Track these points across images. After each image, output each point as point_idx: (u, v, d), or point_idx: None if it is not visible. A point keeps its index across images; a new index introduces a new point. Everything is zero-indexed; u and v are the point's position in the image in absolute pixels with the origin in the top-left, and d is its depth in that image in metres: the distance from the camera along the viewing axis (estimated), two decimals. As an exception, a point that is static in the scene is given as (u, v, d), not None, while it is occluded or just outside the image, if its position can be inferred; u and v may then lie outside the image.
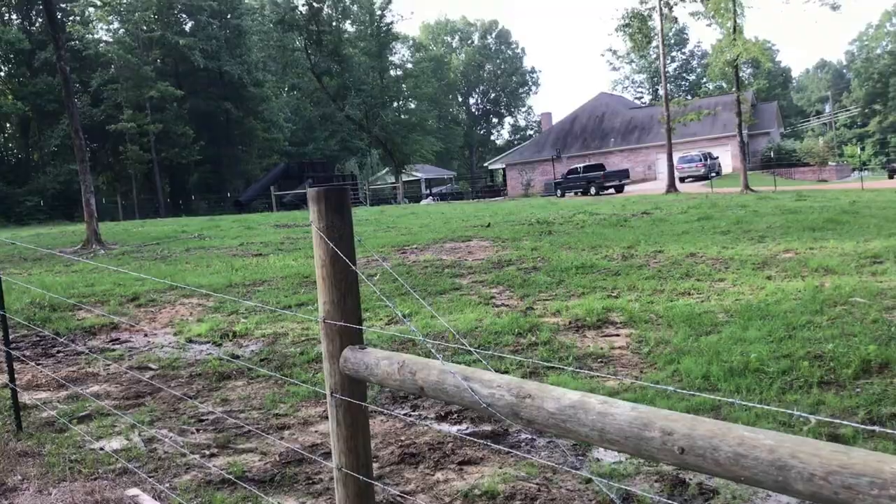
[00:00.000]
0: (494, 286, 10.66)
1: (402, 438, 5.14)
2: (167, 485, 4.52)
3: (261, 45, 60.28)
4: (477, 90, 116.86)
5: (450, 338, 7.69)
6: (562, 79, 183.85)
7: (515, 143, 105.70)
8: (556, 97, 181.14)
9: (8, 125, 64.07)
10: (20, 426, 5.65)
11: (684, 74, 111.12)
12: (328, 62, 53.25)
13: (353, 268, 2.58)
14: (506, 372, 6.35)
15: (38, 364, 7.98)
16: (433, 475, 4.52)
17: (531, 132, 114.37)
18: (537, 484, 4.26)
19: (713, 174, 53.38)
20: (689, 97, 51.09)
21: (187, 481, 4.58)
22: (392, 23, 57.18)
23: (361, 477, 2.57)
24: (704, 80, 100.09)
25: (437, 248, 15.27)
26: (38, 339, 9.21)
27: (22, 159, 63.31)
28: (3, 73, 62.78)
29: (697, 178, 53.50)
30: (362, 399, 2.61)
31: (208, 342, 8.49)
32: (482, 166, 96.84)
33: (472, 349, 7.04)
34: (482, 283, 10.96)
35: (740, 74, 34.85)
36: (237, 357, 7.61)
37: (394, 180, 63.06)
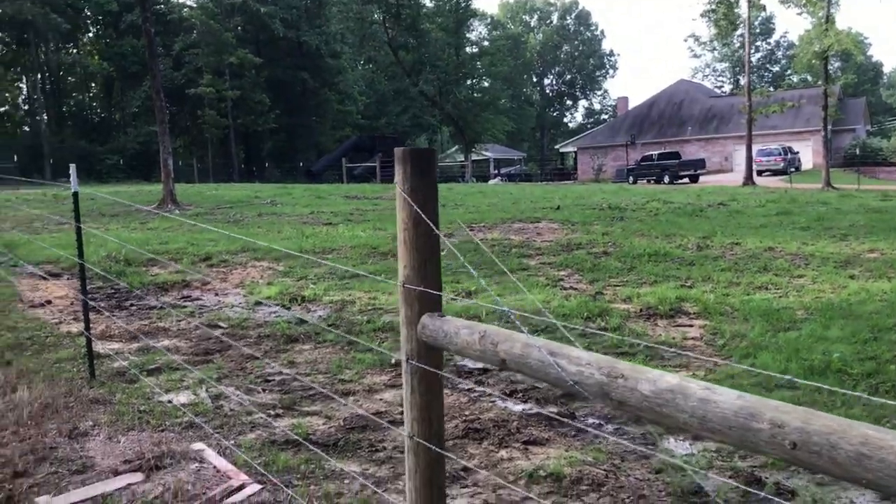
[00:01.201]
0: (563, 269, 10.49)
1: (467, 413, 5.08)
2: (232, 441, 4.55)
3: (339, 17, 60.59)
4: (552, 71, 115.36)
5: (516, 317, 7.58)
6: (640, 64, 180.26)
7: (588, 126, 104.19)
8: (633, 82, 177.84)
9: (93, 85, 65.99)
10: (93, 374, 5.78)
11: (768, 65, 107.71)
12: (405, 36, 53.18)
13: (437, 232, 2.49)
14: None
15: (112, 315, 8.18)
16: (497, 452, 4.44)
17: (605, 116, 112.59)
18: (605, 470, 4.14)
19: (792, 169, 51.68)
20: (772, 88, 49.42)
21: (252, 440, 4.60)
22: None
23: (433, 447, 2.50)
24: (789, 71, 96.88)
25: (505, 228, 15.13)
26: (112, 291, 9.45)
27: (104, 119, 65.22)
28: (91, 35, 64.62)
29: (775, 173, 51.87)
30: (438, 367, 2.53)
31: (277, 305, 8.56)
32: (553, 149, 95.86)
33: (558, 323, 6.93)
34: (550, 265, 10.81)
35: (829, 67, 33.54)
36: (305, 321, 7.65)
37: (463, 158, 62.90)
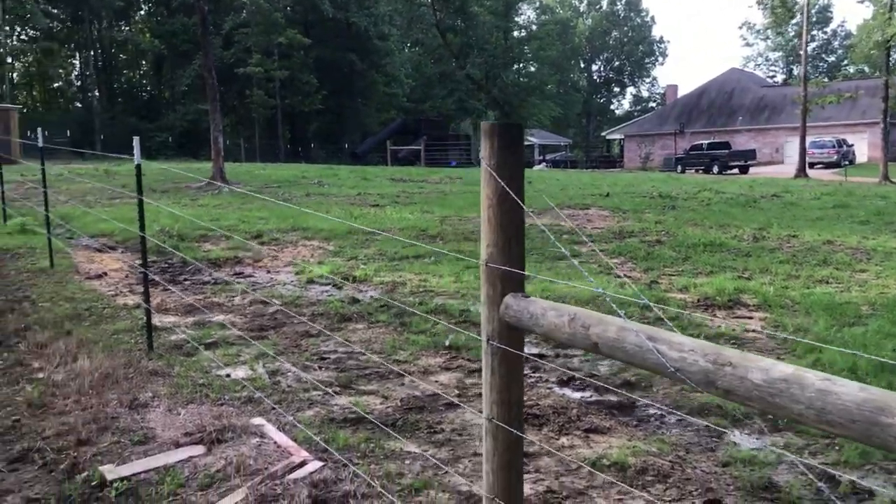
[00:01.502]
0: (615, 256, 10.34)
1: (525, 399, 5.00)
2: (291, 417, 4.54)
3: (388, -1, 60.47)
4: (601, 57, 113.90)
5: (612, 300, 7.45)
6: (690, 51, 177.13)
7: (636, 114, 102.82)
8: (682, 70, 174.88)
9: (143, 62, 66.83)
10: (151, 346, 5.82)
11: (823, 55, 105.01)
12: (453, 18, 52.87)
13: (523, 209, 2.42)
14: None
15: (166, 289, 8.25)
16: (558, 439, 4.37)
17: (653, 104, 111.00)
18: (670, 461, 4.05)
19: (846, 162, 50.44)
20: (826, 79, 48.09)
21: (311, 416, 4.59)
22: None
23: (514, 430, 2.43)
24: (845, 62, 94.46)
25: (554, 214, 14.98)
26: (166, 265, 9.54)
27: (154, 96, 66.04)
28: (143, 12, 65.41)
29: (828, 165, 50.67)
30: (520, 349, 2.46)
31: (329, 284, 8.57)
32: (598, 136, 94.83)
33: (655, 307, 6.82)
34: (602, 252, 10.66)
35: (890, 57, 32.53)
36: (357, 301, 7.63)
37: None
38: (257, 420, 4.45)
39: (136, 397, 4.83)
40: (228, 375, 5.32)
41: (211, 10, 54.05)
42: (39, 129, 8.99)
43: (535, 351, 6.05)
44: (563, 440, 4.36)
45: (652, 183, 26.07)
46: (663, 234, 11.94)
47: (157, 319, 6.80)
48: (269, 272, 9.36)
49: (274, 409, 4.70)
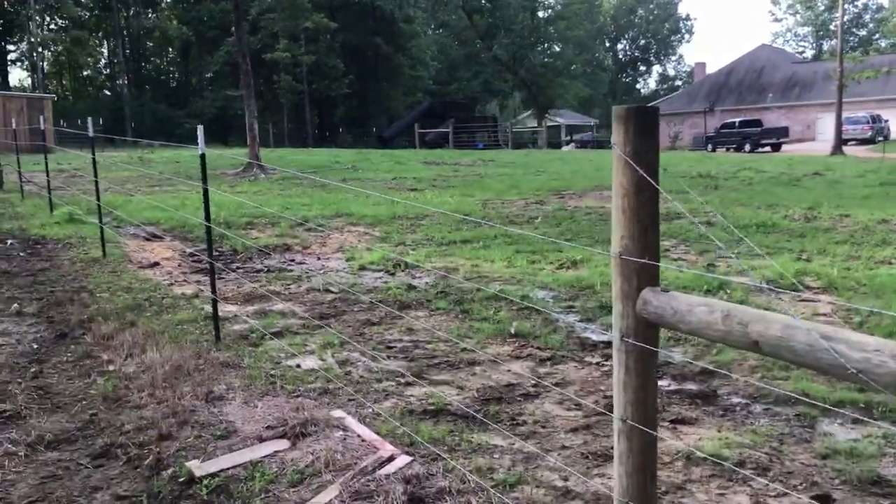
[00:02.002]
0: (666, 239, 10.16)
1: (602, 388, 4.90)
2: (369, 410, 4.47)
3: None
4: (626, 36, 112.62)
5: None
6: (718, 28, 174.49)
7: (662, 93, 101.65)
8: (709, 47, 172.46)
9: (170, 49, 67.15)
10: (219, 337, 5.78)
11: (854, 29, 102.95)
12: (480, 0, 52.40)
13: (660, 195, 2.30)
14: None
15: (221, 278, 8.22)
16: (645, 431, 4.25)
17: (679, 83, 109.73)
18: (767, 454, 3.92)
19: (880, 138, 49.46)
20: (858, 54, 47.02)
21: (389, 408, 4.51)
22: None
23: (650, 431, 2.32)
24: (877, 35, 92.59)
25: (596, 196, 14.79)
26: (217, 253, 9.50)
27: (182, 83, 66.47)
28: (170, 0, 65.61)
29: (862, 142, 49.70)
30: (655, 346, 2.35)
31: (381, 270, 8.50)
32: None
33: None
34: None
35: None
36: (414, 287, 7.55)
37: (535, 124, 62.14)
38: (338, 413, 4.38)
39: (210, 390, 4.78)
40: (299, 366, 5.26)
41: (237, -4, 54.06)
42: (90, 119, 8.97)
43: (605, 338, 5.93)
44: (651, 431, 4.24)
45: (688, 162, 25.71)
46: (712, 216, 11.73)
47: (219, 309, 6.77)
48: (319, 259, 9.31)
49: (351, 400, 4.63)
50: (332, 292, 7.47)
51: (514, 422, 4.37)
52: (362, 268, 8.66)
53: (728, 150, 46.62)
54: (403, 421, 4.31)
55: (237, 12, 20.94)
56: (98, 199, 9.30)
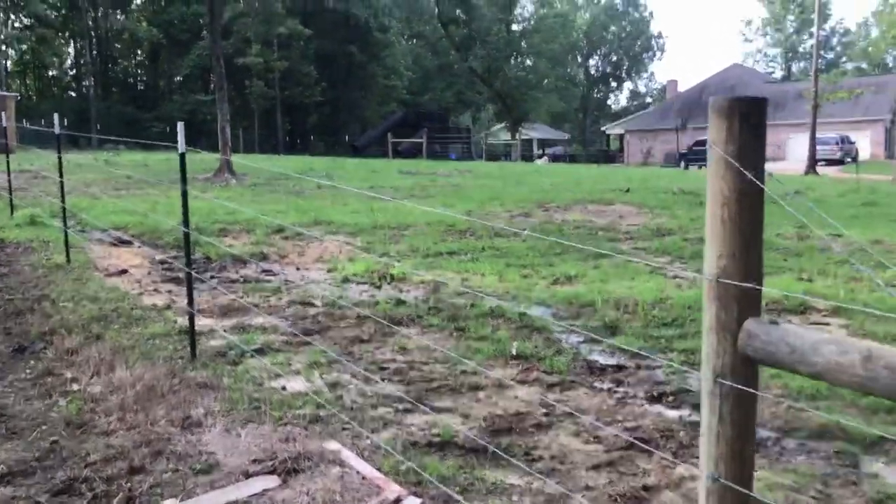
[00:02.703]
0: (661, 255, 9.83)
1: (620, 418, 4.49)
2: (368, 441, 4.00)
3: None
4: (598, 52, 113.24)
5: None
6: (689, 47, 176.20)
7: (632, 109, 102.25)
8: (681, 65, 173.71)
9: (139, 52, 65.90)
10: (195, 354, 5.27)
11: (822, 52, 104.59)
12: (455, 10, 52.15)
13: (763, 207, 1.89)
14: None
15: (195, 288, 7.68)
16: (674, 469, 3.84)
17: (650, 99, 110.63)
18: (814, 497, 3.53)
19: (849, 159, 50.00)
20: (838, 74, 47.43)
21: (389, 439, 4.05)
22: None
23: (745, 491, 1.90)
24: (843, 59, 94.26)
25: (581, 209, 14.46)
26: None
27: (150, 86, 65.21)
28: (140, 1, 64.47)
29: (831, 162, 50.18)
30: (755, 388, 1.93)
31: (366, 283, 8.03)
32: (594, 130, 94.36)
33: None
34: (644, 250, 10.15)
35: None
36: (403, 302, 7.09)
37: (508, 137, 62.01)
38: (333, 445, 3.91)
39: (187, 414, 4.28)
40: (285, 388, 4.77)
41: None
42: (56, 116, 8.40)
43: (612, 361, 5.53)
44: (681, 469, 3.84)
45: (667, 178, 25.57)
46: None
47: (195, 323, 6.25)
48: (298, 269, 8.81)
49: (346, 429, 4.17)
50: (315, 306, 6.99)
51: (529, 456, 3.94)
52: (346, 279, 8.19)
53: (700, 167, 46.76)
54: (407, 454, 3.86)
55: (211, 14, 20.36)
56: (63, 200, 8.72)
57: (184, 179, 5.19)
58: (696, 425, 4.41)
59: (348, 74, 59.77)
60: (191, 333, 5.25)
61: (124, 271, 8.21)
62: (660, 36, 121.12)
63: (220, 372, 5.02)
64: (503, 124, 69.86)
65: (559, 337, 6.09)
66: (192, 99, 55.51)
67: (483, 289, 7.71)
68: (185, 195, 5.16)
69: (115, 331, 5.91)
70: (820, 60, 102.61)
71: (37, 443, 3.99)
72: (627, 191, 18.59)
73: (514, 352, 5.61)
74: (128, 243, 10.01)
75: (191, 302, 5.25)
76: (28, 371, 5.03)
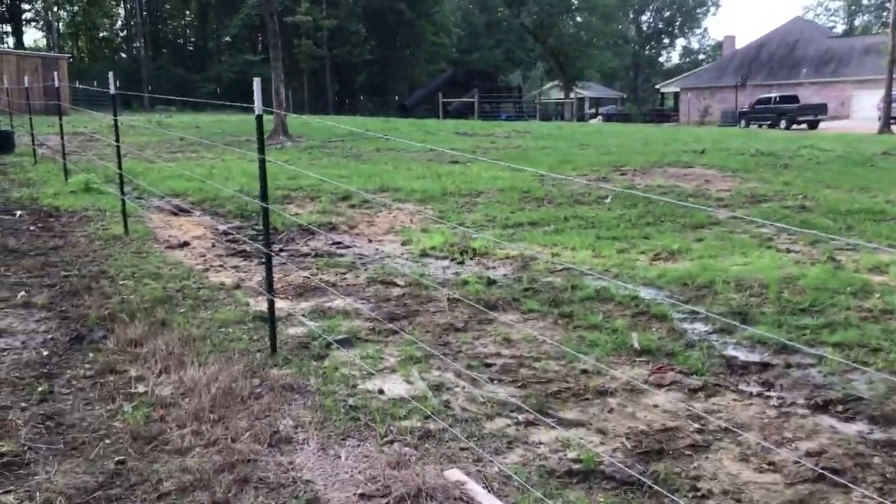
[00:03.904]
0: (765, 226, 8.90)
1: (789, 435, 3.70)
2: (494, 469, 3.29)
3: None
4: (650, 8, 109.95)
5: (769, 295, 6.08)
6: (746, 1, 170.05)
7: (685, 67, 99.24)
8: (737, 21, 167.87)
9: (188, 12, 65.49)
10: (275, 347, 4.59)
11: (887, 3, 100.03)
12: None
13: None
14: None
15: (262, 263, 7.04)
16: (884, 511, 3.06)
17: (703, 56, 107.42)
18: None
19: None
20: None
21: (517, 464, 3.34)
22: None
23: None
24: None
25: (661, 173, 13.50)
26: (254, 233, 8.32)
27: (199, 46, 64.83)
28: (187, -41, 63.87)
29: (900, 121, 47.83)
30: None
31: (446, 258, 7.30)
32: (647, 88, 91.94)
33: None
34: (743, 219, 9.23)
35: None
36: (494, 282, 6.35)
37: (559, 96, 60.45)
38: (454, 475, 3.20)
39: (274, 427, 3.61)
40: (382, 391, 4.08)
41: (258, -43, 52.30)
42: (111, 75, 7.76)
43: (755, 358, 4.72)
44: (893, 513, 3.05)
45: (736, 139, 24.26)
46: (802, 199, 10.45)
47: (265, 305, 5.60)
48: (370, 241, 8.11)
49: (464, 449, 3.46)
50: (397, 285, 6.28)
51: (696, 491, 3.18)
52: (424, 254, 7.46)
53: (760, 126, 44.90)
54: (546, 488, 3.13)
55: (265, -33, 19.55)
56: (120, 166, 8.11)
57: (261, 147, 4.50)
58: (888, 447, 3.60)
59: (397, 32, 58.67)
60: (271, 324, 4.57)
61: (186, 244, 7.59)
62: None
63: (306, 370, 4.34)
64: (554, 83, 68.17)
65: (683, 327, 5.29)
66: (240, 59, 55.01)
67: (577, 265, 6.92)
68: (262, 164, 4.46)
69: (181, 316, 5.27)
70: (885, 13, 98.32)
71: (100, 462, 3.35)
72: (702, 152, 17.50)
73: (636, 346, 4.84)
74: (187, 212, 9.41)
75: (270, 288, 4.56)
76: (87, 366, 4.42)
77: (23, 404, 3.91)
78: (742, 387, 4.31)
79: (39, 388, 4.07)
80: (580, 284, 6.18)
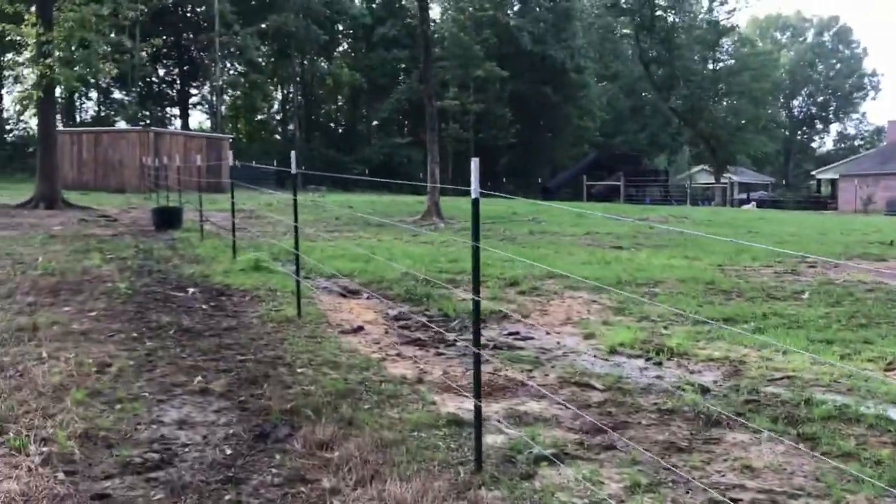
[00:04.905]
0: None
1: None
2: None
3: (583, 30, 58.63)
4: (803, 92, 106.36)
5: None
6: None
7: (841, 153, 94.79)
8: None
9: (340, 96, 68.62)
10: (480, 462, 4.00)
11: None
12: (658, 49, 50.09)
13: None
14: None
15: (441, 354, 6.55)
16: None
17: (859, 142, 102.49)
18: None
19: None
20: None
21: None
22: (734, 10, 52.65)
23: None
24: None
25: (855, 266, 12.24)
26: (427, 318, 7.88)
27: (350, 129, 67.54)
28: (343, 47, 67.27)
29: None
30: None
31: (640, 356, 6.56)
32: (798, 174, 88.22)
33: None
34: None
35: None
36: (707, 390, 5.56)
37: (709, 180, 58.68)
38: None
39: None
40: (617, 533, 3.39)
41: (409, 45, 54.43)
42: (293, 153, 7.66)
43: None
44: None
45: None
46: None
47: (452, 404, 5.05)
48: (549, 333, 7.48)
49: None
50: (595, 388, 5.60)
51: None
52: (613, 351, 6.76)
53: (936, 216, 41.55)
54: None
55: (426, 52, 19.91)
56: (297, 246, 7.92)
57: (476, 234, 3.99)
58: None
59: (541, 116, 59.04)
60: (476, 434, 3.99)
61: (360, 328, 7.22)
62: (874, 74, 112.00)
63: (519, 494, 3.71)
64: (701, 167, 66.39)
65: (963, 463, 4.31)
66: (389, 142, 56.74)
67: (797, 374, 6.02)
68: (476, 252, 3.95)
69: (367, 414, 4.79)
70: None
71: None
72: (892, 243, 15.96)
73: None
74: (355, 293, 9.13)
75: (478, 393, 4.00)
76: (274, 471, 3.97)
77: (210, 515, 3.48)
78: None
79: (227, 497, 3.63)
80: (813, 399, 5.30)
